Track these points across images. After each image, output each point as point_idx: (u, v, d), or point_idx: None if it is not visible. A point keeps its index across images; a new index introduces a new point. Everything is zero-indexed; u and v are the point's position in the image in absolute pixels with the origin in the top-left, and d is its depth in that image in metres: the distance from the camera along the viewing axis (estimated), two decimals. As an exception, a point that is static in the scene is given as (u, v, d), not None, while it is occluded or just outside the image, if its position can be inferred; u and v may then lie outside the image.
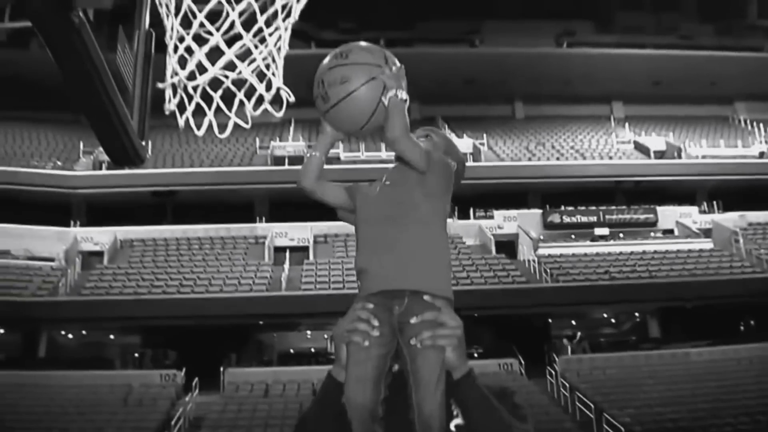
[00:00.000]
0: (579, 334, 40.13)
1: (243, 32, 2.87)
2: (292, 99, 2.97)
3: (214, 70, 2.77)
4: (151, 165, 43.36)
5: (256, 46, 2.89)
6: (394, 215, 3.62)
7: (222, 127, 2.89)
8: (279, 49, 2.99)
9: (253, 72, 2.89)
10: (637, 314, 40.58)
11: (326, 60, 3.40)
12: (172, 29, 2.89)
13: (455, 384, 3.35)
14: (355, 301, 3.58)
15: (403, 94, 3.61)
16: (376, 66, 3.51)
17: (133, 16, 5.05)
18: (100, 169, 44.63)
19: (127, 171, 41.34)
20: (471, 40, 54.28)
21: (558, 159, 47.38)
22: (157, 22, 5.30)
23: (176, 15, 2.88)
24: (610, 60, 51.82)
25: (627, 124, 54.14)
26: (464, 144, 47.87)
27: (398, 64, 3.57)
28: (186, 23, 2.86)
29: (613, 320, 42.22)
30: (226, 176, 44.47)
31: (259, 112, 2.93)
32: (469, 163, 44.15)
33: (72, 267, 37.88)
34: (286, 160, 45.25)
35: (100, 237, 41.74)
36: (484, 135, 49.56)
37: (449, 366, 3.37)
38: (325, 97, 3.38)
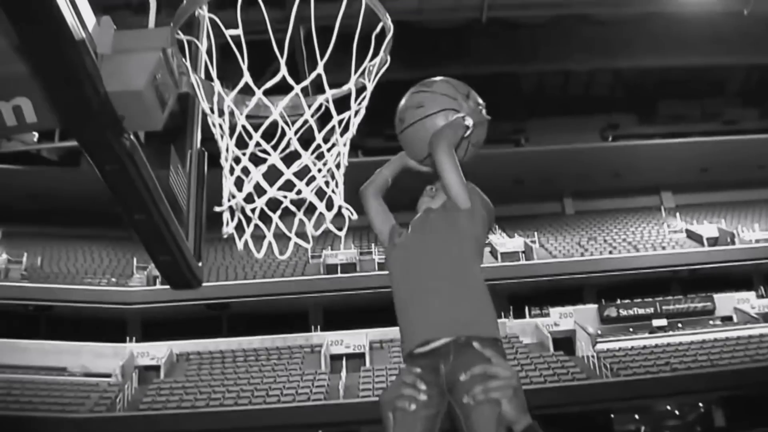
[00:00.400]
0: (643, 428, 39.41)
1: (301, 150, 2.81)
2: (354, 217, 2.90)
3: (272, 191, 2.70)
4: (204, 278, 43.39)
5: (314, 164, 2.83)
6: (427, 262, 3.52)
7: (282, 246, 2.81)
8: (338, 165, 2.93)
9: (312, 190, 2.82)
10: (701, 404, 39.74)
11: (414, 86, 3.40)
12: (227, 150, 2.84)
13: None
14: (402, 362, 3.52)
15: (470, 121, 3.57)
16: (453, 99, 3.52)
17: (184, 135, 5.05)
18: (154, 284, 44.79)
19: None
20: (517, 139, 54.36)
21: (611, 252, 46.94)
22: (208, 137, 5.33)
23: (231, 135, 2.83)
24: (656, 150, 51.57)
25: (678, 213, 53.64)
26: (516, 243, 47.77)
27: (480, 101, 3.54)
28: (240, 142, 2.83)
29: (676, 412, 41.37)
30: (279, 287, 44.47)
31: (320, 231, 2.86)
32: (522, 262, 44.30)
33: (129, 382, 37.88)
34: (339, 269, 45.16)
35: (155, 351, 41.76)
36: (535, 233, 49.31)
37: (508, 420, 3.23)
38: (402, 118, 3.41)
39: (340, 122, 2.94)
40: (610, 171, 52.05)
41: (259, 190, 2.84)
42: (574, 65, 46.84)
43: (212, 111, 2.86)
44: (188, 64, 3.12)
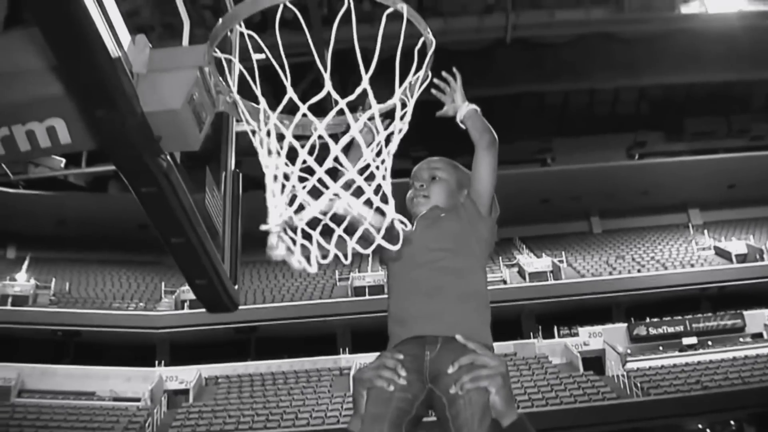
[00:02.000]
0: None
1: (348, 165, 2.75)
2: (409, 228, 2.84)
3: (320, 204, 2.64)
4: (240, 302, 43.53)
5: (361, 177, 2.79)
6: (437, 258, 3.45)
7: (337, 258, 2.79)
8: (384, 178, 2.87)
9: (362, 203, 2.78)
10: (732, 422, 39.39)
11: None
12: (276, 168, 2.78)
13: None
14: (387, 350, 3.41)
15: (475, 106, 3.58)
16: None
17: (218, 157, 4.99)
18: (182, 308, 44.98)
19: None
20: (543, 159, 54.25)
21: (639, 271, 46.70)
22: (242, 153, 5.30)
23: (279, 153, 2.78)
24: (683, 167, 51.32)
25: (706, 231, 53.33)
26: (544, 263, 47.65)
27: None
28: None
29: (708, 430, 41.01)
30: (307, 310, 44.50)
31: (371, 248, 2.81)
32: (550, 282, 44.13)
33: (158, 406, 37.96)
34: (367, 291, 45.05)
35: (184, 375, 41.85)
36: (563, 252, 49.14)
37: (495, 411, 3.09)
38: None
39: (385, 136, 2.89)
40: (637, 189, 51.82)
41: (301, 210, 2.79)
42: (599, 83, 46.79)
43: (258, 129, 2.80)
44: (229, 80, 3.07)
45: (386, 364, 3.23)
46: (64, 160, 19.86)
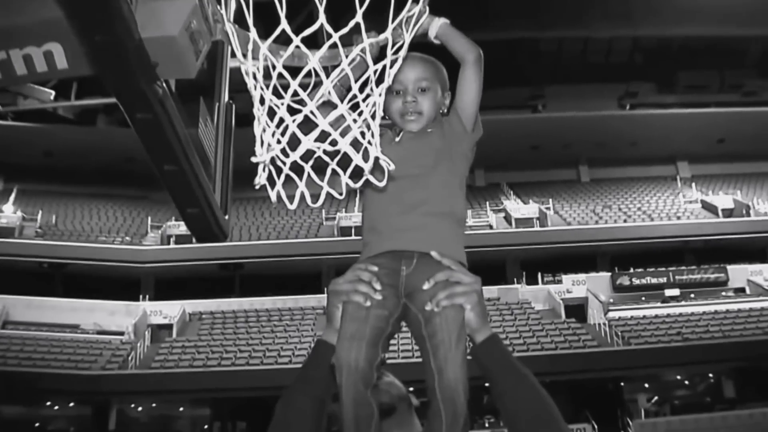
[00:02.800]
0: (656, 398, 39.55)
1: (337, 100, 2.76)
2: (392, 167, 2.85)
3: (308, 142, 2.66)
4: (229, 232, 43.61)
5: (349, 114, 2.78)
6: (419, 173, 3.36)
7: (314, 198, 2.77)
8: (374, 116, 2.88)
9: (348, 141, 2.78)
10: (711, 375, 39.78)
11: None
12: (261, 100, 2.79)
13: (477, 348, 3.11)
14: (358, 261, 3.32)
15: (445, 19, 3.55)
16: None
17: (213, 89, 5.00)
18: (168, 243, 45.16)
19: (194, 245, 41.84)
20: (534, 105, 54.20)
21: (625, 221, 46.93)
22: (235, 90, 5.30)
23: (266, 85, 2.78)
24: (674, 120, 51.41)
25: (693, 184, 53.47)
26: (530, 209, 47.79)
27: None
28: (273, 94, 2.78)
29: (687, 382, 41.39)
30: (293, 248, 44.64)
31: (360, 183, 2.81)
32: (537, 228, 44.30)
33: (141, 340, 38.17)
34: (353, 231, 45.12)
35: (168, 310, 42.06)
36: (550, 200, 49.29)
37: (470, 328, 3.09)
38: None
39: (376, 72, 2.87)
40: (627, 139, 51.94)
41: (292, 142, 2.79)
42: (593, 32, 46.66)
43: (246, 57, 2.80)
44: (223, 11, 3.05)
45: (362, 278, 3.22)
46: (53, 93, 19.76)
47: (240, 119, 5.23)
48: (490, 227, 46.28)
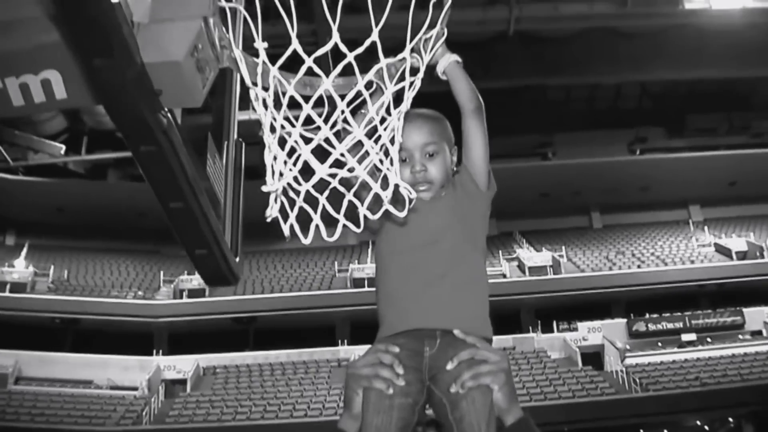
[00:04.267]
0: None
1: (353, 123, 2.60)
2: (413, 195, 2.69)
3: (323, 170, 2.50)
4: (230, 292, 43.65)
5: (366, 140, 2.63)
6: (434, 241, 3.20)
7: (330, 231, 2.60)
8: (392, 141, 2.72)
9: (365, 168, 2.61)
10: (731, 419, 39.33)
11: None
12: (272, 127, 2.63)
13: (508, 431, 2.91)
14: (376, 341, 3.18)
15: (457, 57, 3.36)
16: None
17: (221, 123, 4.85)
18: (181, 297, 45.06)
19: (207, 299, 42.13)
20: (543, 153, 54.18)
21: (639, 267, 46.65)
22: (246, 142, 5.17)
23: (278, 108, 2.63)
24: (684, 164, 51.19)
25: (706, 227, 53.18)
26: (543, 257, 47.59)
27: None
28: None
29: (706, 427, 40.96)
30: (306, 301, 44.47)
31: (379, 214, 2.64)
32: (550, 276, 44.09)
33: (155, 395, 37.95)
34: (366, 282, 44.90)
35: (182, 365, 41.85)
36: (563, 247, 49.06)
37: (498, 409, 2.89)
38: None
39: (395, 95, 2.74)
40: (637, 185, 51.75)
41: (304, 172, 2.64)
42: (601, 78, 46.60)
43: (255, 84, 2.65)
44: (231, 36, 2.90)
45: (383, 360, 3.03)
46: (64, 147, 19.79)
47: (249, 171, 5.09)
48: (504, 276, 46.05)
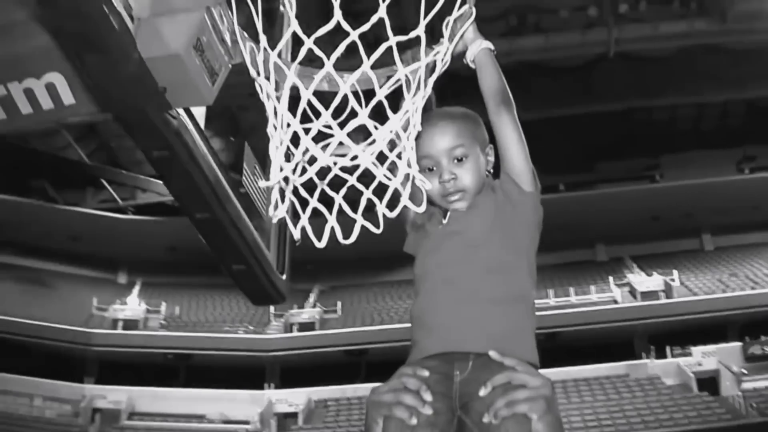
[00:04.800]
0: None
1: (357, 107, 2.39)
2: (428, 186, 2.45)
3: (324, 157, 2.28)
4: (341, 324, 44.01)
5: (375, 128, 2.41)
6: (469, 255, 2.87)
7: (346, 233, 2.38)
8: (407, 128, 2.50)
9: (372, 154, 2.39)
10: None
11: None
12: (275, 116, 2.43)
13: None
14: (405, 364, 2.89)
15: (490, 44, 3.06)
16: None
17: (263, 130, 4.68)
18: (291, 331, 45.36)
19: (318, 332, 42.59)
20: (651, 176, 53.33)
21: (753, 288, 45.36)
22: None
23: (285, 103, 2.44)
24: (796, 182, 49.95)
25: (822, 245, 51.68)
26: (655, 282, 46.72)
27: None
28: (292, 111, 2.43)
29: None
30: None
31: (396, 212, 2.40)
32: (663, 301, 43.26)
33: (267, 429, 38.19)
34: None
35: (294, 398, 42.14)
36: (674, 271, 48.02)
37: None
38: None
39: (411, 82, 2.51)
40: (748, 204, 50.43)
41: (319, 171, 2.43)
42: (705, 97, 45.73)
43: (258, 74, 2.46)
44: (235, 23, 2.72)
45: (408, 386, 2.74)
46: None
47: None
48: (615, 302, 45.35)
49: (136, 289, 49.41)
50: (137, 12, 2.81)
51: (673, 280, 46.73)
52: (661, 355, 43.00)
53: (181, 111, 3.09)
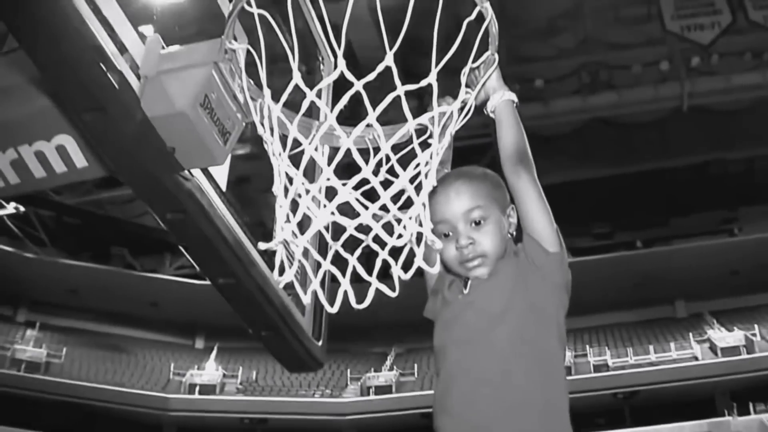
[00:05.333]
0: None
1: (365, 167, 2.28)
2: (438, 246, 2.30)
3: (325, 215, 2.16)
4: (418, 387, 43.96)
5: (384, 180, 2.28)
6: (490, 328, 2.67)
7: (361, 297, 2.23)
8: (419, 184, 2.37)
9: (378, 208, 2.26)
10: None
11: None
12: (279, 173, 2.33)
13: None
14: None
15: (513, 95, 2.85)
16: None
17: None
18: (368, 395, 45.19)
19: (394, 395, 42.49)
20: (729, 229, 52.55)
21: (840, 342, 44.48)
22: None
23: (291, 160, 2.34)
24: None
25: None
26: (736, 337, 45.89)
27: None
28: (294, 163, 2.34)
29: None
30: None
31: (410, 273, 2.25)
32: (744, 356, 42.55)
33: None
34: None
35: (370, 461, 42.09)
36: (755, 325, 47.14)
37: None
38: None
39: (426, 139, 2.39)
40: (831, 256, 49.55)
41: (334, 232, 2.31)
42: (782, 148, 45.21)
43: (265, 130, 2.36)
44: (242, 76, 2.62)
45: None
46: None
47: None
48: (696, 359, 44.60)
49: (212, 354, 49.69)
50: (144, 70, 2.73)
51: (754, 334, 45.85)
52: (743, 411, 42.08)
53: (197, 172, 2.99)
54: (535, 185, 2.78)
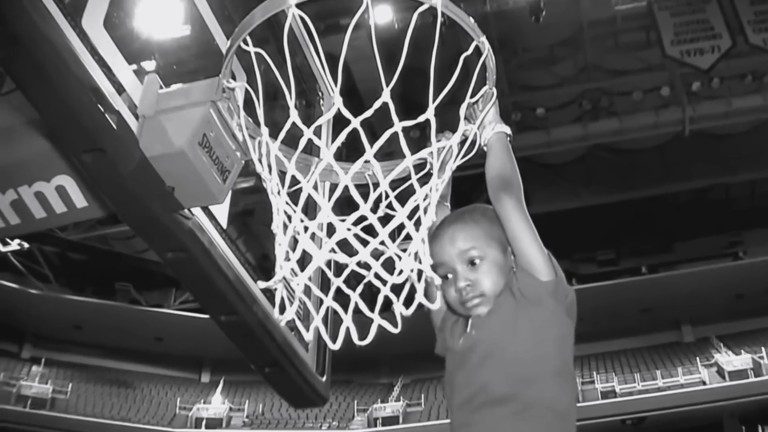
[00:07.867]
0: None
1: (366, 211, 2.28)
2: (437, 281, 2.29)
3: (322, 255, 2.16)
4: (425, 418, 43.90)
5: (384, 217, 2.28)
6: (483, 361, 2.63)
7: (363, 332, 2.22)
8: (418, 221, 2.36)
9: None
10: None
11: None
12: (278, 212, 2.33)
13: None
14: None
15: (506, 128, 2.83)
16: None
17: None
18: (375, 426, 45.01)
19: (402, 426, 42.54)
20: (734, 253, 52.49)
21: None
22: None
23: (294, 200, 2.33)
24: None
25: None
26: (743, 360, 45.78)
27: None
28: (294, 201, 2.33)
29: None
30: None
31: (412, 309, 2.24)
32: (751, 379, 42.45)
33: None
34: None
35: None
36: (762, 348, 47.04)
37: None
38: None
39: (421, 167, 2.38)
40: (836, 278, 49.48)
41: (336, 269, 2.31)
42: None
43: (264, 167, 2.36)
44: (239, 110, 2.62)
45: None
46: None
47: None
48: (703, 383, 44.47)
49: (219, 388, 49.54)
50: (142, 110, 2.73)
51: (761, 357, 45.76)
52: (752, 435, 42.19)
53: (197, 210, 2.99)
54: (519, 211, 2.75)
